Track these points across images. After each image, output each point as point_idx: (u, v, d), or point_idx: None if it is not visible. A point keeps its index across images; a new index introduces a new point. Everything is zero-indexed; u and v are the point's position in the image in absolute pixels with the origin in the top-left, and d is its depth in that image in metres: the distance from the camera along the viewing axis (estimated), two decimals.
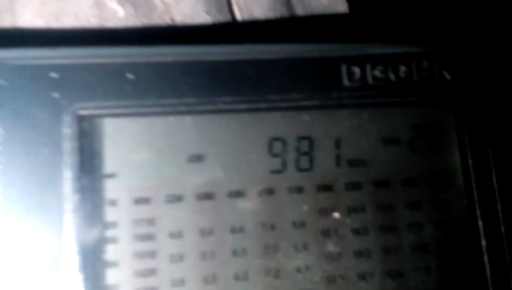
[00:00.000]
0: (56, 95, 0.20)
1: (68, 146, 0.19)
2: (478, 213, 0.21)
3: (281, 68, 0.21)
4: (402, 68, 0.22)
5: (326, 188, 0.21)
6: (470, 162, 0.22)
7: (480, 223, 0.21)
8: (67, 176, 0.19)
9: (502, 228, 0.21)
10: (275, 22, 0.25)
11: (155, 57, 0.21)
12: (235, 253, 0.20)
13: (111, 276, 0.20)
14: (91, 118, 0.20)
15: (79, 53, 0.20)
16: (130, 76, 0.20)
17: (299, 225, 0.21)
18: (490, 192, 0.21)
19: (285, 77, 0.21)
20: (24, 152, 0.19)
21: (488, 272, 0.21)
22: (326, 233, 0.21)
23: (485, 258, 0.21)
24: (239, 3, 0.25)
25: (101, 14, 0.24)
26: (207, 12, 0.24)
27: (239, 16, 0.25)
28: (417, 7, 0.27)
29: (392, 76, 0.22)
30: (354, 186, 0.21)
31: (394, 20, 0.26)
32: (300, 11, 0.26)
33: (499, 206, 0.21)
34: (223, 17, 0.25)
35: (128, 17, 0.24)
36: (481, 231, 0.21)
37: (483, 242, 0.21)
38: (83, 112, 0.20)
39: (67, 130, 0.19)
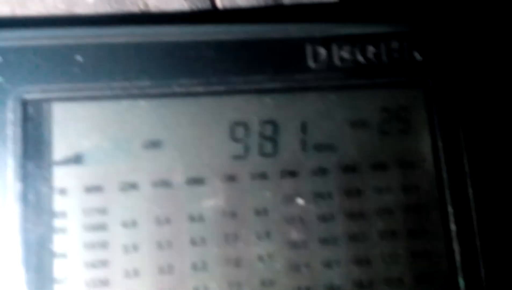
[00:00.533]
0: None
1: (13, 132, 0.18)
2: (448, 197, 0.21)
3: (243, 49, 0.21)
4: (371, 49, 0.21)
5: (290, 173, 0.21)
6: (440, 145, 0.21)
7: (450, 208, 0.21)
8: (12, 164, 0.18)
9: (473, 213, 0.21)
10: (255, 10, 0.24)
11: (105, 38, 0.20)
12: (193, 242, 0.20)
13: (59, 267, 0.19)
14: (37, 102, 0.19)
15: (24, 35, 0.19)
16: (79, 58, 0.19)
17: (261, 212, 0.20)
18: (461, 176, 0.21)
19: (247, 58, 0.20)
20: None
21: (458, 257, 0.20)
22: (290, 221, 0.20)
23: (455, 243, 0.20)
24: None
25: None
26: None
27: (220, 3, 0.24)
28: None
29: (360, 58, 0.21)
30: (320, 171, 0.21)
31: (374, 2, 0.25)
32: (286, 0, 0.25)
33: (470, 191, 0.21)
34: (201, 4, 0.24)
35: (97, 2, 0.23)
36: (451, 216, 0.20)
37: (453, 227, 0.20)
38: (28, 96, 0.19)
39: (12, 115, 0.19)
